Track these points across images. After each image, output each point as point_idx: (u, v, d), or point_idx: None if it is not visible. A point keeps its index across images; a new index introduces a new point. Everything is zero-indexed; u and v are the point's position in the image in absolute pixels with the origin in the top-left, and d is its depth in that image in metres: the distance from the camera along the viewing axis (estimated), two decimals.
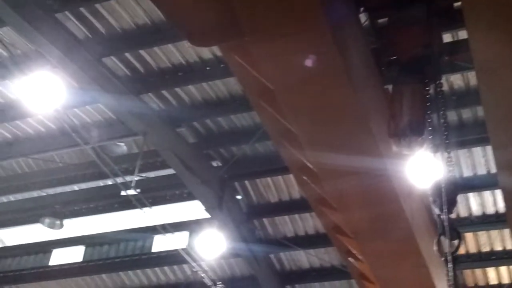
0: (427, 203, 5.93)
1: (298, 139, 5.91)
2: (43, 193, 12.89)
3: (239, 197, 11.72)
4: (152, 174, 11.93)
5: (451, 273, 4.24)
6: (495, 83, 4.50)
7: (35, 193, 12.96)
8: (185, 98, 9.97)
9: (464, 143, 9.51)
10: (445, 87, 7.46)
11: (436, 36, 5.21)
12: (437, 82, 4.99)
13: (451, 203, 4.51)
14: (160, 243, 13.14)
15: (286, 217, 11.82)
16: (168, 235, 11.60)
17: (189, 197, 12.12)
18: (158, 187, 12.02)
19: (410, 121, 4.85)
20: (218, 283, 11.80)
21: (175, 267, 13.28)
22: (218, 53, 8.85)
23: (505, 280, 11.50)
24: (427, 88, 4.98)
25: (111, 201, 12.84)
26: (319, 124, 5.41)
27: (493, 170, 9.60)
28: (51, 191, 12.81)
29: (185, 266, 13.03)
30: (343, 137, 5.49)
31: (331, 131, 5.46)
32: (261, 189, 11.55)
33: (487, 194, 10.46)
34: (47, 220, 12.50)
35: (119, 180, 10.45)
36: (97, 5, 8.47)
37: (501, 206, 10.25)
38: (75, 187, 12.75)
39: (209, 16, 4.87)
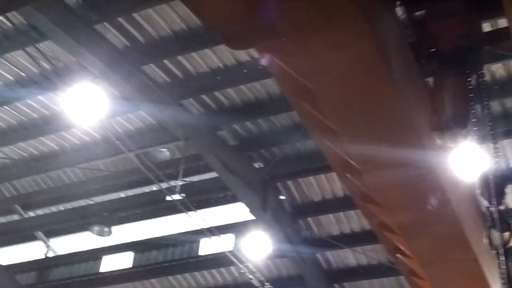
0: (475, 196, 5.83)
1: (338, 136, 5.89)
2: (90, 201, 13.17)
3: (282, 197, 11.72)
4: (195, 178, 12.05)
5: (503, 266, 4.17)
6: None
7: (83, 202, 13.25)
8: (224, 102, 10.05)
9: (509, 133, 9.32)
10: (487, 77, 7.32)
11: (475, 26, 5.13)
12: (479, 72, 4.91)
13: (500, 195, 4.44)
14: (207, 246, 13.26)
15: (331, 215, 11.77)
16: (214, 238, 11.72)
17: (233, 199, 12.21)
18: (202, 191, 12.13)
19: (453, 114, 4.79)
20: (265, 284, 11.84)
21: (222, 269, 13.37)
22: (255, 55, 8.90)
23: None
24: (468, 79, 4.90)
25: (157, 207, 13.03)
26: (360, 119, 5.38)
27: None
28: (99, 199, 13.08)
29: (232, 268, 13.11)
30: (384, 130, 5.45)
31: (372, 125, 5.42)
32: (304, 188, 11.54)
33: None
34: (96, 228, 12.78)
35: (164, 185, 10.60)
36: (134, 14, 8.61)
37: None
38: (122, 194, 12.98)
39: (245, 18, 4.90)
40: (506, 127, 9.00)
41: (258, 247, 10.87)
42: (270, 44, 5.43)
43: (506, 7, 4.14)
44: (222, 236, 11.89)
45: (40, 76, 9.79)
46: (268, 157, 11.00)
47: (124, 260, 14.22)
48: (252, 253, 11.08)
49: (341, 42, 4.62)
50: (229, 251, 11.69)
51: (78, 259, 14.53)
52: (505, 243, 4.26)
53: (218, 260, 12.93)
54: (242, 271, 11.78)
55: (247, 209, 11.49)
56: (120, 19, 8.67)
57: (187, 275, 13.76)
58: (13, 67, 9.68)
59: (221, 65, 9.31)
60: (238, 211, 12.42)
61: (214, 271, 13.51)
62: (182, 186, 10.82)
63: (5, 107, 10.55)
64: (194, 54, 9.16)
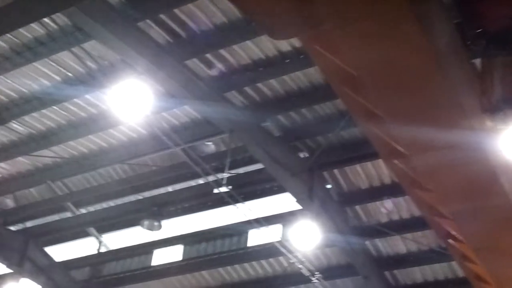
0: None
1: (385, 122, 5.85)
2: (140, 196, 13.39)
3: (329, 186, 11.69)
4: (241, 170, 12.12)
5: None
6: None
7: (132, 197, 13.48)
8: (268, 93, 10.07)
9: None
10: None
11: None
12: None
13: None
14: (255, 237, 13.34)
15: (379, 203, 11.68)
16: (262, 228, 11.78)
17: (280, 190, 12.23)
18: (248, 183, 12.19)
19: (503, 95, 4.69)
20: (315, 273, 11.85)
21: (271, 260, 13.43)
22: (297, 44, 8.89)
23: None
24: None
25: (204, 200, 13.16)
26: (407, 103, 5.33)
27: None
28: (147, 194, 13.29)
29: (281, 258, 13.15)
30: (432, 113, 5.39)
31: (419, 108, 5.37)
32: (351, 176, 11.48)
33: None
34: (146, 222, 13.00)
35: (211, 178, 10.70)
36: (176, 10, 8.70)
37: None
38: (169, 189, 13.15)
39: (287, 8, 4.90)
40: None
41: (307, 237, 10.89)
42: (313, 33, 5.43)
43: None
44: (270, 226, 11.96)
45: (86, 75, 9.99)
46: (313, 147, 10.98)
47: (174, 253, 14.43)
48: (300, 243, 11.12)
49: (386, 26, 4.58)
50: (278, 242, 11.74)
51: (130, 254, 14.80)
52: None
53: (267, 251, 13.00)
54: (291, 261, 11.82)
55: (293, 199, 11.50)
56: (162, 16, 8.77)
57: (236, 266, 13.88)
58: (60, 68, 9.90)
59: (263, 57, 9.32)
60: (284, 202, 12.45)
61: (263, 261, 13.58)
62: (228, 178, 10.90)
63: (54, 107, 10.80)
64: (235, 47, 9.19)
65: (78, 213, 14.12)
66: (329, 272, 12.77)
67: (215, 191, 11.25)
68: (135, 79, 8.90)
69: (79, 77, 10.06)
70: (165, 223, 13.38)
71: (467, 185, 6.09)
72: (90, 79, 9.99)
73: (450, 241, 7.44)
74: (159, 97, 9.78)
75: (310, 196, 11.03)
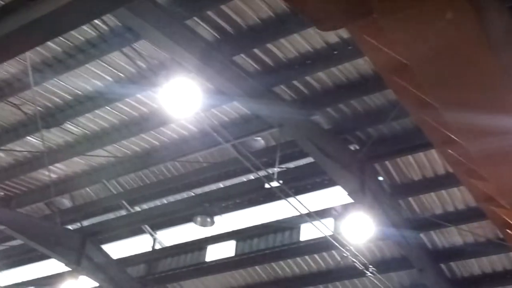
0: None
1: (438, 110, 5.74)
2: (192, 193, 13.56)
3: (380, 178, 11.56)
4: (291, 165, 12.12)
5: None
6: None
7: (185, 194, 13.66)
8: (316, 85, 10.02)
9: None
10: None
11: None
12: None
13: None
14: (307, 232, 13.32)
15: (433, 194, 11.47)
16: (314, 222, 11.73)
17: (330, 183, 12.18)
18: (299, 177, 12.16)
19: None
20: (369, 266, 11.74)
21: (324, 254, 13.39)
22: (344, 35, 8.81)
23: None
24: None
25: (256, 195, 13.22)
26: (460, 90, 5.23)
27: None
28: (199, 190, 13.44)
29: (334, 252, 13.11)
30: (485, 99, 5.28)
31: (473, 95, 5.27)
32: (403, 168, 11.31)
33: None
34: (199, 219, 13.18)
35: (262, 173, 10.73)
36: (222, 6, 8.73)
37: None
38: (221, 185, 13.26)
39: None
40: None
41: (359, 230, 10.79)
42: (363, 23, 5.37)
43: None
44: (322, 220, 11.90)
45: (137, 75, 10.16)
46: (364, 139, 10.87)
47: (227, 249, 14.55)
48: (353, 236, 11.02)
49: (437, 13, 4.49)
50: (330, 235, 11.68)
51: (184, 250, 15.00)
52: None
53: (320, 245, 12.96)
54: (344, 254, 11.74)
55: (345, 193, 11.42)
56: (209, 12, 8.82)
57: (289, 261, 13.89)
58: (111, 68, 10.10)
59: (310, 49, 9.26)
60: (336, 195, 12.38)
61: (316, 256, 13.55)
62: (279, 173, 10.90)
63: (107, 107, 11.02)
64: (282, 40, 9.17)
65: (132, 211, 14.40)
66: (383, 265, 12.63)
67: (266, 186, 11.24)
68: (184, 77, 8.99)
69: (130, 77, 10.23)
70: (217, 219, 13.53)
71: None
72: (141, 79, 10.15)
73: (508, 231, 7.26)
74: (208, 94, 9.88)
75: (362, 189, 10.93)
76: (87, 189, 14.02)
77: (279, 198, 12.23)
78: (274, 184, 10.63)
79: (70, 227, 14.77)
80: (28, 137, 11.98)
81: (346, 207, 12.04)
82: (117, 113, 11.22)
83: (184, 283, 15.34)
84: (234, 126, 11.19)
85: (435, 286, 12.33)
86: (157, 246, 15.33)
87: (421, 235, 12.10)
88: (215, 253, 14.66)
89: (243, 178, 12.90)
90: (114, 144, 12.02)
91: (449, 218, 11.46)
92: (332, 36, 8.92)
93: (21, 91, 10.66)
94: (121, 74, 10.22)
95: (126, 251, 15.58)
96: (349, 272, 12.85)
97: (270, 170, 10.97)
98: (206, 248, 14.80)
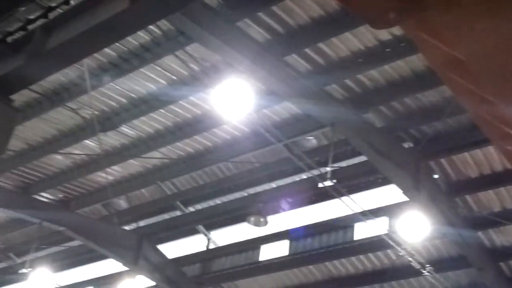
0: None
1: (496, 106, 5.62)
2: (245, 193, 13.67)
3: (436, 176, 11.38)
4: (344, 164, 12.07)
5: None
6: None
7: (237, 194, 13.77)
8: (368, 84, 9.95)
9: None
10: None
11: None
12: None
13: None
14: (361, 231, 13.22)
15: (490, 191, 11.22)
16: (369, 221, 11.65)
17: (384, 182, 12.07)
18: (352, 176, 12.10)
19: None
20: (426, 265, 11.58)
21: (379, 253, 13.27)
22: (397, 32, 8.72)
23: None
24: None
25: (308, 194, 13.21)
26: None
27: None
28: (252, 190, 13.53)
29: (389, 251, 12.97)
30: None
31: None
32: (459, 165, 11.11)
33: None
34: (252, 219, 13.25)
35: (315, 173, 10.72)
36: (273, 7, 8.77)
37: None
38: (273, 185, 13.31)
39: None
40: None
41: (415, 229, 10.66)
42: (417, 19, 5.31)
43: None
44: (376, 219, 11.80)
45: (190, 77, 10.31)
46: (418, 136, 10.73)
47: (281, 248, 14.59)
48: (408, 235, 10.89)
49: (495, 6, 4.40)
50: (385, 234, 11.57)
51: (238, 250, 15.12)
52: None
53: (374, 244, 12.85)
54: (400, 253, 11.61)
55: (399, 191, 11.29)
56: (260, 14, 8.87)
57: (343, 260, 13.83)
58: (165, 72, 10.28)
59: (362, 47, 9.21)
60: (390, 193, 12.25)
61: (370, 255, 13.45)
62: (332, 172, 10.87)
63: (161, 110, 11.22)
64: (334, 39, 9.14)
65: (186, 211, 14.62)
66: (440, 264, 12.43)
67: (320, 185, 11.22)
68: (236, 78, 9.08)
69: (183, 80, 10.39)
70: (270, 218, 13.58)
71: None
72: (194, 81, 10.30)
73: None
74: (260, 95, 9.94)
75: (417, 187, 10.78)
76: (143, 190, 14.30)
77: (332, 197, 12.19)
78: (328, 183, 10.60)
79: (127, 227, 15.10)
80: (86, 141, 12.31)
81: (400, 205, 11.89)
82: (171, 115, 11.41)
83: (238, 282, 15.46)
84: (286, 126, 11.21)
85: (494, 285, 12.06)
86: (211, 246, 15.51)
87: (479, 233, 11.85)
88: (268, 252, 14.71)
89: (296, 178, 12.92)
90: (168, 146, 12.22)
91: (508, 216, 11.19)
92: (384, 34, 8.85)
93: (79, 95, 10.97)
94: (174, 77, 10.39)
95: (181, 251, 15.82)
96: (405, 271, 12.70)
97: (323, 169, 10.96)
98: (259, 247, 14.87)
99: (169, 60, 10.00)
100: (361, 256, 13.57)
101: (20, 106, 10.79)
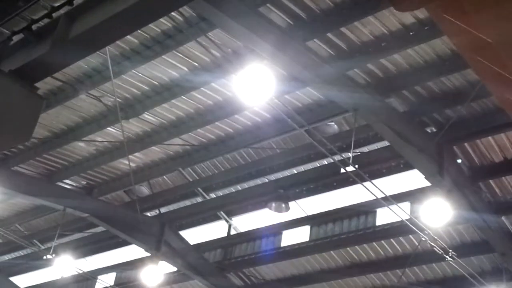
0: None
1: None
2: (266, 179, 13.68)
3: (459, 161, 11.29)
4: (365, 149, 12.03)
5: None
6: None
7: (259, 181, 13.79)
8: (391, 68, 9.87)
9: None
10: None
11: None
12: None
13: None
14: (383, 216, 13.19)
15: None
16: (391, 207, 11.60)
17: (406, 167, 12.02)
18: (373, 161, 12.08)
19: None
20: (449, 251, 11.51)
21: (401, 238, 13.25)
22: (421, 15, 8.63)
23: None
24: None
25: (330, 180, 13.20)
26: None
27: None
28: (273, 176, 13.54)
29: (411, 236, 12.95)
30: None
31: None
32: (483, 149, 11.01)
33: None
34: (273, 205, 13.31)
35: (337, 158, 10.69)
36: None
37: None
38: (294, 171, 13.31)
39: None
40: None
41: (437, 214, 10.60)
42: (442, 2, 5.26)
43: None
44: (398, 205, 11.73)
45: (211, 64, 10.29)
46: (441, 121, 10.65)
47: (302, 234, 14.61)
48: (431, 220, 10.83)
49: None
50: (407, 220, 11.52)
51: (259, 235, 15.18)
52: None
53: (396, 229, 12.84)
54: (422, 239, 11.56)
55: (422, 176, 11.22)
56: None
57: (365, 246, 13.82)
58: (186, 58, 10.27)
59: (385, 31, 9.12)
60: (412, 179, 12.19)
61: (392, 240, 13.43)
62: (353, 157, 10.83)
63: (183, 97, 11.23)
64: (357, 24, 9.05)
65: (208, 197, 14.68)
66: (463, 249, 12.38)
67: (342, 171, 11.19)
68: (258, 64, 9.05)
69: (205, 66, 10.38)
70: (292, 204, 13.61)
71: None
72: (215, 67, 10.29)
73: None
74: (281, 81, 9.91)
75: (439, 172, 10.70)
76: (165, 177, 14.38)
77: (353, 183, 12.18)
78: (350, 168, 10.56)
79: (149, 214, 15.23)
80: (109, 128, 12.39)
81: (423, 190, 11.83)
82: (192, 102, 11.42)
83: (260, 268, 15.53)
84: (307, 111, 11.18)
85: None
86: (233, 232, 15.58)
87: (503, 218, 11.76)
88: (290, 238, 14.75)
89: (317, 164, 12.91)
90: (189, 132, 12.25)
91: None
92: (408, 17, 8.75)
93: (101, 83, 11.01)
94: (196, 64, 10.39)
95: (202, 237, 15.92)
96: (428, 256, 12.67)
97: (345, 155, 10.92)
98: (281, 233, 14.91)
99: (191, 47, 9.99)
100: (383, 242, 13.55)
101: (44, 94, 10.86)
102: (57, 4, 6.39)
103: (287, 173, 13.40)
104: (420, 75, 9.76)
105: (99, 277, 17.65)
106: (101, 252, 17.86)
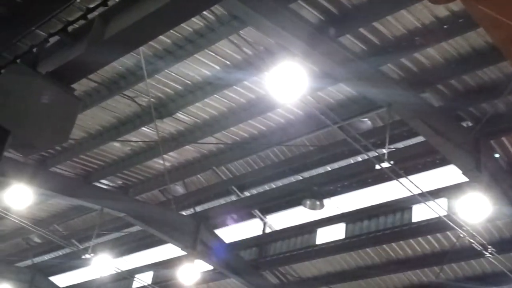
0: None
1: None
2: (299, 177, 13.65)
3: (497, 155, 11.08)
4: (400, 145, 11.90)
5: None
6: None
7: (292, 178, 13.77)
8: (425, 62, 9.74)
9: None
10: None
11: None
12: None
13: None
14: (420, 212, 13.04)
15: None
16: (427, 203, 11.45)
17: (442, 162, 11.87)
18: (409, 157, 11.94)
19: None
20: (488, 247, 11.32)
21: (438, 235, 13.07)
22: (455, 8, 8.50)
23: None
24: None
25: (364, 177, 13.12)
26: None
27: None
28: (307, 174, 13.50)
29: (448, 233, 12.77)
30: None
31: None
32: None
33: None
34: (308, 202, 13.28)
35: (371, 154, 10.60)
36: None
37: None
38: (328, 168, 13.25)
39: None
40: None
41: (475, 209, 10.42)
42: None
43: None
44: (435, 201, 11.59)
45: (243, 62, 10.31)
46: (478, 115, 10.47)
47: (337, 232, 14.54)
48: (469, 216, 10.66)
49: None
50: (444, 216, 11.37)
51: (294, 233, 15.16)
52: None
53: (433, 226, 12.68)
54: (460, 235, 11.39)
55: (459, 171, 11.05)
56: None
57: (402, 243, 13.69)
58: (219, 57, 10.31)
59: (418, 25, 9.00)
60: (448, 174, 12.02)
61: (429, 237, 13.26)
62: (388, 153, 10.73)
63: (215, 95, 11.28)
64: (389, 18, 8.96)
65: (242, 196, 14.71)
66: (502, 245, 12.14)
67: (377, 167, 11.10)
68: (290, 61, 9.04)
69: (237, 64, 10.41)
70: (326, 202, 13.55)
71: None
72: (248, 65, 10.30)
73: None
74: (314, 77, 9.87)
75: (477, 167, 10.53)
76: (199, 176, 14.47)
77: (388, 179, 12.06)
78: (385, 165, 10.47)
79: (184, 213, 15.34)
80: (143, 128, 12.52)
81: (460, 186, 11.65)
82: (225, 100, 11.47)
83: (295, 266, 15.51)
84: (340, 108, 11.13)
85: None
86: (268, 230, 15.59)
87: None
88: (325, 236, 14.69)
89: (351, 160, 12.84)
90: (223, 131, 12.30)
91: None
92: (441, 10, 8.63)
93: (135, 83, 11.15)
94: (228, 62, 10.42)
95: (237, 235, 15.97)
96: (466, 253, 12.49)
97: (379, 151, 10.82)
98: (316, 231, 14.86)
99: (222, 45, 10.03)
100: (420, 238, 13.39)
101: (80, 95, 11.04)
102: (92, 6, 6.48)
103: (320, 170, 13.34)
104: (455, 69, 9.61)
105: (137, 276, 17.87)
106: (138, 251, 18.09)
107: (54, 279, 20.39)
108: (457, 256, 12.82)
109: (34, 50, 6.88)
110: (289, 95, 9.72)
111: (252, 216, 15.56)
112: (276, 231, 15.48)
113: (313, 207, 13.41)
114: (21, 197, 12.81)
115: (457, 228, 10.91)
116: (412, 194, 10.99)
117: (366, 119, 11.75)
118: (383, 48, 9.46)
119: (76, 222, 17.64)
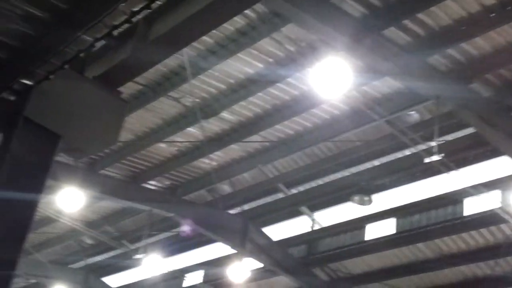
0: None
1: None
2: (347, 172, 13.52)
3: None
4: (449, 137, 11.65)
5: None
6: None
7: (339, 174, 13.64)
8: (473, 52, 9.50)
9: None
10: None
11: None
12: None
13: None
14: (472, 205, 12.74)
15: None
16: (480, 196, 11.20)
17: (494, 153, 11.56)
18: (459, 149, 11.67)
19: None
20: None
21: (492, 228, 12.74)
22: None
23: None
24: None
25: (413, 171, 12.90)
26: None
27: None
28: (354, 169, 13.36)
29: (503, 226, 12.44)
30: None
31: None
32: None
33: None
34: (356, 198, 13.16)
35: (420, 148, 10.42)
36: None
37: None
38: (376, 162, 13.08)
39: None
40: None
41: None
42: None
43: None
44: (488, 193, 11.32)
45: (286, 59, 10.27)
46: None
47: (387, 227, 14.35)
48: None
49: None
50: (498, 208, 11.09)
51: (343, 230, 15.03)
52: None
53: (486, 219, 12.38)
54: None
55: (511, 162, 10.76)
56: None
57: (454, 237, 13.42)
58: (261, 55, 10.30)
59: (464, 14, 8.79)
60: (501, 165, 11.71)
61: (482, 230, 12.95)
62: (437, 146, 10.52)
63: (259, 93, 11.28)
64: (434, 8, 8.77)
65: (289, 193, 14.68)
66: None
67: (426, 160, 10.89)
68: (333, 57, 8.96)
69: (280, 62, 10.38)
70: (375, 197, 13.40)
71: None
72: (290, 62, 10.26)
73: None
74: (358, 72, 9.75)
75: None
76: (245, 174, 14.48)
77: (438, 173, 11.85)
78: (435, 158, 10.25)
79: (231, 211, 15.40)
80: (188, 128, 12.61)
81: None
82: (269, 98, 11.46)
83: (345, 262, 15.38)
84: (386, 102, 10.98)
85: None
86: (316, 227, 15.51)
87: None
88: (374, 231, 14.52)
89: (399, 154, 12.63)
90: (268, 129, 12.28)
91: None
92: None
93: (179, 84, 11.24)
94: (270, 60, 10.40)
95: (286, 233, 15.94)
96: None
97: (428, 144, 10.63)
98: (365, 227, 14.70)
99: (265, 43, 10.01)
100: (473, 232, 13.09)
101: (126, 98, 11.20)
102: (136, 9, 6.57)
103: (368, 165, 13.18)
104: (504, 58, 9.35)
105: (187, 275, 18.05)
106: (188, 251, 18.25)
107: (106, 279, 20.78)
108: None
109: (81, 55, 7.00)
110: (333, 90, 9.65)
111: (299, 213, 15.50)
112: (325, 227, 15.37)
113: (361, 203, 13.28)
114: (72, 200, 13.11)
115: (510, 221, 10.62)
116: (463, 187, 10.76)
117: (413, 112, 11.55)
118: (429, 40, 9.27)
119: (127, 223, 17.91)
